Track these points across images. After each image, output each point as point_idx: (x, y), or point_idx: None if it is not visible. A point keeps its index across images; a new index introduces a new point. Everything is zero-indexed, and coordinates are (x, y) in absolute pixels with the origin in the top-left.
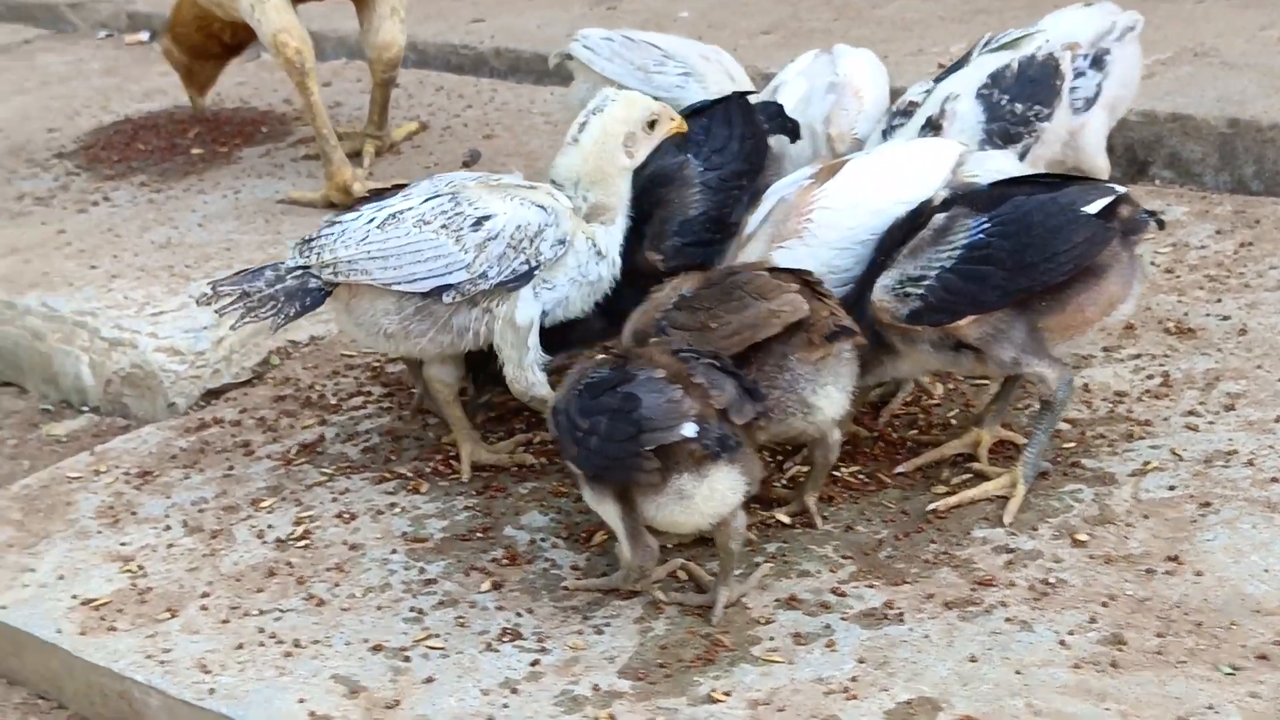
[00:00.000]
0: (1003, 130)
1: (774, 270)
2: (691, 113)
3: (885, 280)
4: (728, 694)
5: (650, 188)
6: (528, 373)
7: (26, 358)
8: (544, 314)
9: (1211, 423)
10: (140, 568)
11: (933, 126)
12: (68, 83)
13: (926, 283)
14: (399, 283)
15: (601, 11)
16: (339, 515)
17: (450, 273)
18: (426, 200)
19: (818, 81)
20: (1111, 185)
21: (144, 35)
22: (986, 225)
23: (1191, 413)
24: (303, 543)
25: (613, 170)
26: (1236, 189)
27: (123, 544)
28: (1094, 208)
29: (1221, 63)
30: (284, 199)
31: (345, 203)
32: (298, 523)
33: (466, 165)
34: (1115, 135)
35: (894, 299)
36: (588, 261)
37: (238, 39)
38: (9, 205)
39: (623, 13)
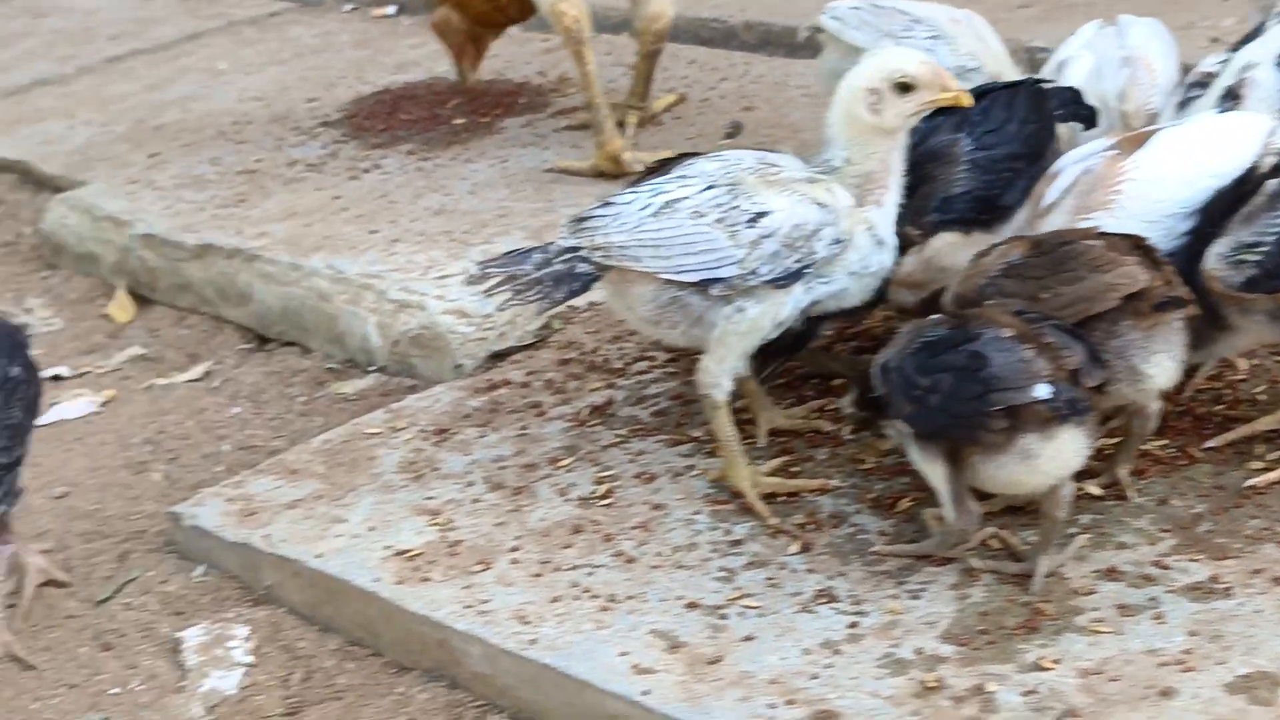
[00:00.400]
0: None
1: (1106, 236)
2: (978, 95)
3: (1218, 248)
4: (1056, 662)
5: (919, 163)
6: (723, 374)
7: (312, 318)
8: (815, 303)
9: None
10: (448, 521)
11: (1231, 97)
12: (320, 54)
13: (1263, 248)
14: (668, 272)
15: None
16: (638, 475)
17: (720, 267)
18: (704, 190)
19: (1107, 55)
20: None
21: (390, 9)
22: None
23: None
24: (605, 501)
25: (860, 129)
26: None
27: (428, 498)
28: None
29: None
30: (552, 168)
31: (615, 172)
32: (598, 482)
33: (729, 137)
34: None
35: (1228, 267)
36: (869, 254)
37: (523, 10)
38: (282, 171)
39: None
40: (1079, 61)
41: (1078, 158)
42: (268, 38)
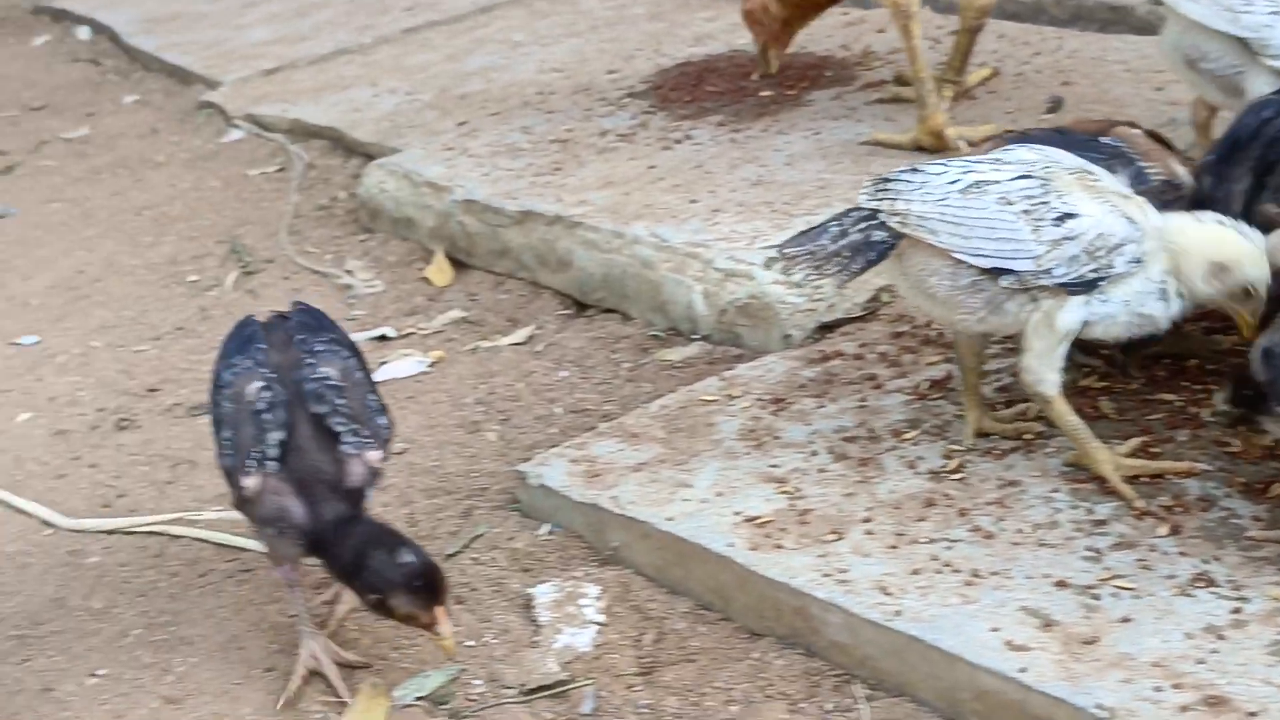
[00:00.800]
0: None
1: None
2: None
3: None
4: None
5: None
6: (1045, 367)
7: (634, 285)
8: (1086, 325)
9: None
10: (796, 490)
11: None
12: (615, 26)
13: None
14: (962, 252)
15: None
16: (988, 451)
17: (1015, 259)
18: (1016, 179)
19: None
20: None
21: None
22: None
23: None
24: (957, 475)
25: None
26: None
27: (772, 466)
28: None
29: None
30: (869, 140)
31: (935, 147)
32: (947, 456)
33: (1050, 112)
34: None
35: None
36: (1148, 295)
37: None
38: (594, 140)
39: None
40: None
41: None
42: (560, 10)
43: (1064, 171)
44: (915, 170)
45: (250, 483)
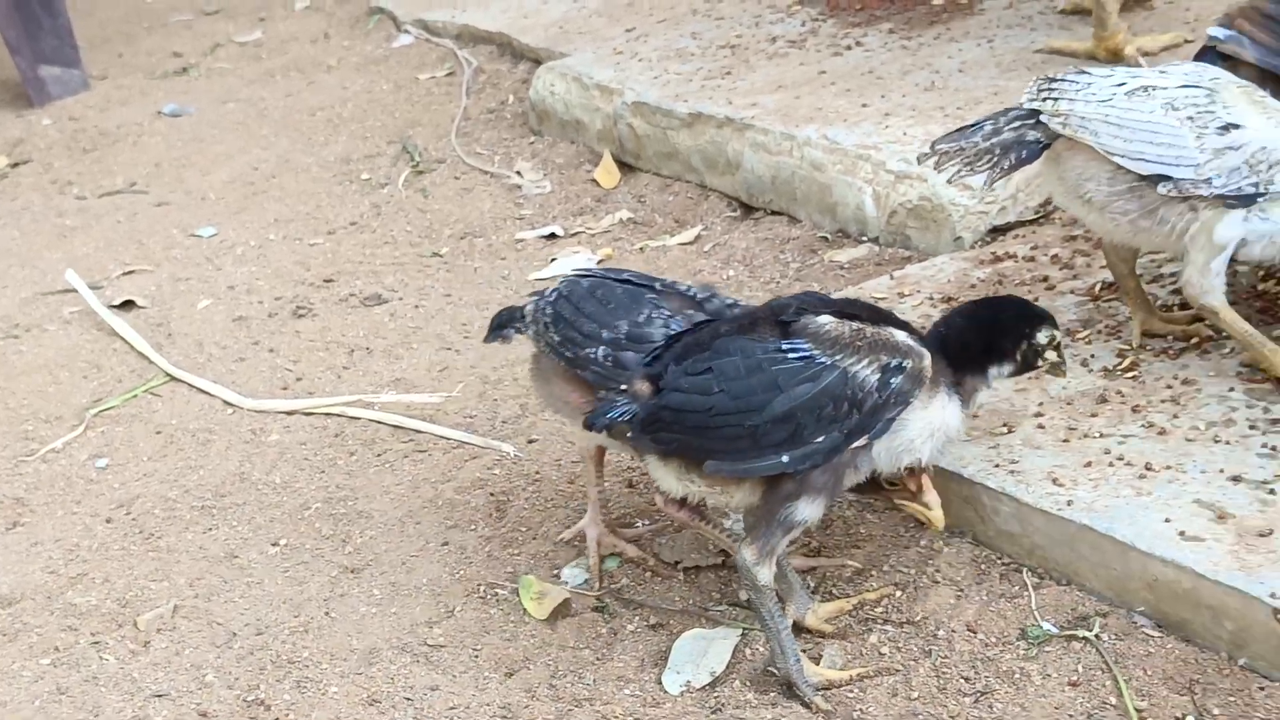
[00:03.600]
0: None
1: None
2: None
3: None
4: None
5: None
6: (1207, 279)
7: (803, 187)
8: (1243, 243)
9: None
10: None
11: None
12: None
13: None
14: (1123, 155)
15: None
16: (1163, 350)
17: (1177, 165)
18: (1183, 86)
19: None
20: None
21: None
22: None
23: None
24: (1130, 374)
25: None
26: None
27: None
28: None
29: None
30: (1045, 49)
31: (1113, 63)
32: (1120, 355)
33: None
34: None
35: None
36: None
37: None
38: (763, 46)
39: None
40: None
41: None
42: None
43: (1231, 83)
44: (1081, 72)
45: None
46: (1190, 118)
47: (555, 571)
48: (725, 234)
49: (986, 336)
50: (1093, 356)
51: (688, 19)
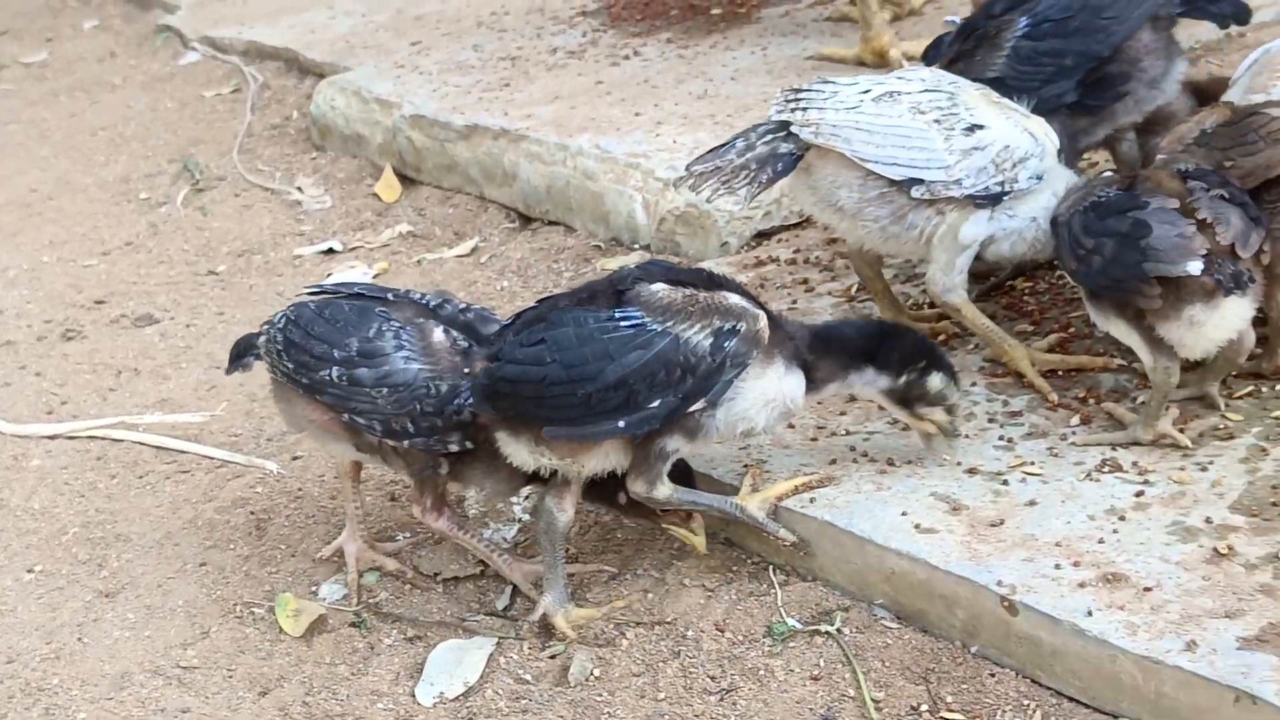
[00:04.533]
0: None
1: None
2: None
3: None
4: None
5: None
6: (950, 276)
7: (577, 196)
8: (990, 240)
9: None
10: None
11: None
12: None
13: None
14: (876, 161)
15: None
16: None
17: (929, 168)
18: (926, 91)
19: None
20: None
21: None
22: None
23: None
24: None
25: None
26: None
27: None
28: None
29: None
30: (815, 55)
31: (877, 66)
32: None
33: None
34: None
35: None
36: (1049, 210)
37: None
38: (543, 58)
39: None
40: None
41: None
42: None
43: (969, 86)
44: (826, 81)
45: None
46: (937, 120)
47: (314, 588)
48: (502, 245)
49: (876, 341)
50: None
51: (472, 32)
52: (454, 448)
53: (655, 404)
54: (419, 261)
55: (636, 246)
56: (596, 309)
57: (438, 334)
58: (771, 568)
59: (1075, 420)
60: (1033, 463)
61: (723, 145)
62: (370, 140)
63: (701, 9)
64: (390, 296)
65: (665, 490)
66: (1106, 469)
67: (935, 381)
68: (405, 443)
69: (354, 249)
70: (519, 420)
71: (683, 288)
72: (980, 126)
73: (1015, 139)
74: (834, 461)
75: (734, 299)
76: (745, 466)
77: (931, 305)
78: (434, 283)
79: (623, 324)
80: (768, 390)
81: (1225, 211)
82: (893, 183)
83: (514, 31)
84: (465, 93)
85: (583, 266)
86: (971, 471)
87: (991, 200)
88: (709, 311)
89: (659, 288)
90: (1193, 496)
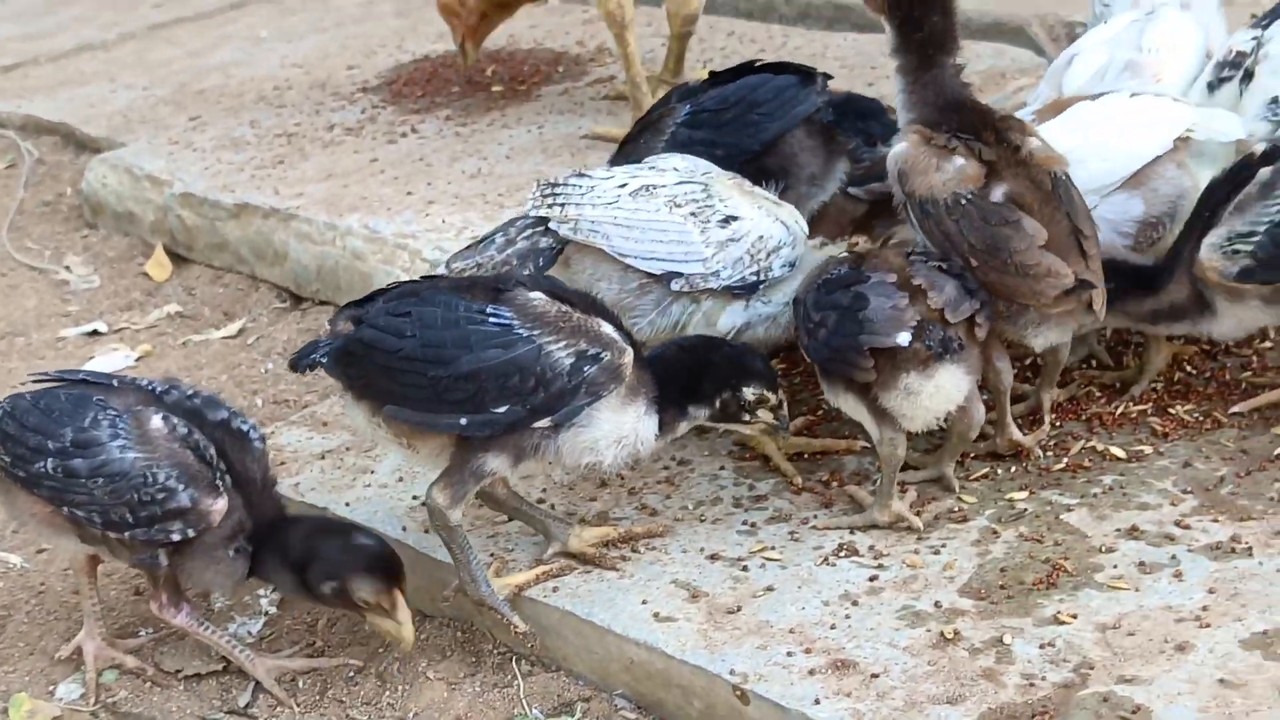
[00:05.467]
0: None
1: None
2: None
3: (1212, 239)
4: (1074, 616)
5: None
6: None
7: (346, 277)
8: (747, 326)
9: None
10: None
11: (1245, 77)
12: (361, 23)
13: (1256, 239)
14: (635, 257)
15: None
16: None
17: (687, 261)
18: (681, 183)
19: (1117, 57)
20: None
21: None
22: None
23: None
24: None
25: None
26: None
27: None
28: None
29: None
30: (589, 134)
31: None
32: None
33: None
34: None
35: (1222, 258)
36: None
37: None
38: (320, 135)
39: None
40: (1087, 59)
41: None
42: (310, 6)
43: (722, 176)
44: (582, 175)
45: None
46: (693, 214)
47: (51, 688)
48: (270, 325)
49: (691, 374)
50: None
51: (251, 107)
52: (175, 537)
53: (502, 409)
54: (185, 343)
55: None
56: (470, 299)
57: (155, 421)
58: (516, 658)
59: (817, 505)
60: (774, 547)
61: (483, 240)
62: (142, 218)
63: (482, 86)
64: (114, 384)
65: (457, 515)
66: (843, 553)
67: (749, 394)
68: (126, 534)
69: (119, 330)
70: (365, 389)
71: (560, 303)
72: (735, 218)
73: (769, 229)
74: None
75: (607, 328)
76: (491, 555)
77: None
78: (198, 364)
79: (490, 319)
80: (623, 427)
81: (940, 280)
82: (652, 276)
83: (293, 107)
84: (239, 170)
85: None
86: (713, 557)
87: (748, 290)
88: (578, 332)
89: (536, 296)
90: (924, 580)
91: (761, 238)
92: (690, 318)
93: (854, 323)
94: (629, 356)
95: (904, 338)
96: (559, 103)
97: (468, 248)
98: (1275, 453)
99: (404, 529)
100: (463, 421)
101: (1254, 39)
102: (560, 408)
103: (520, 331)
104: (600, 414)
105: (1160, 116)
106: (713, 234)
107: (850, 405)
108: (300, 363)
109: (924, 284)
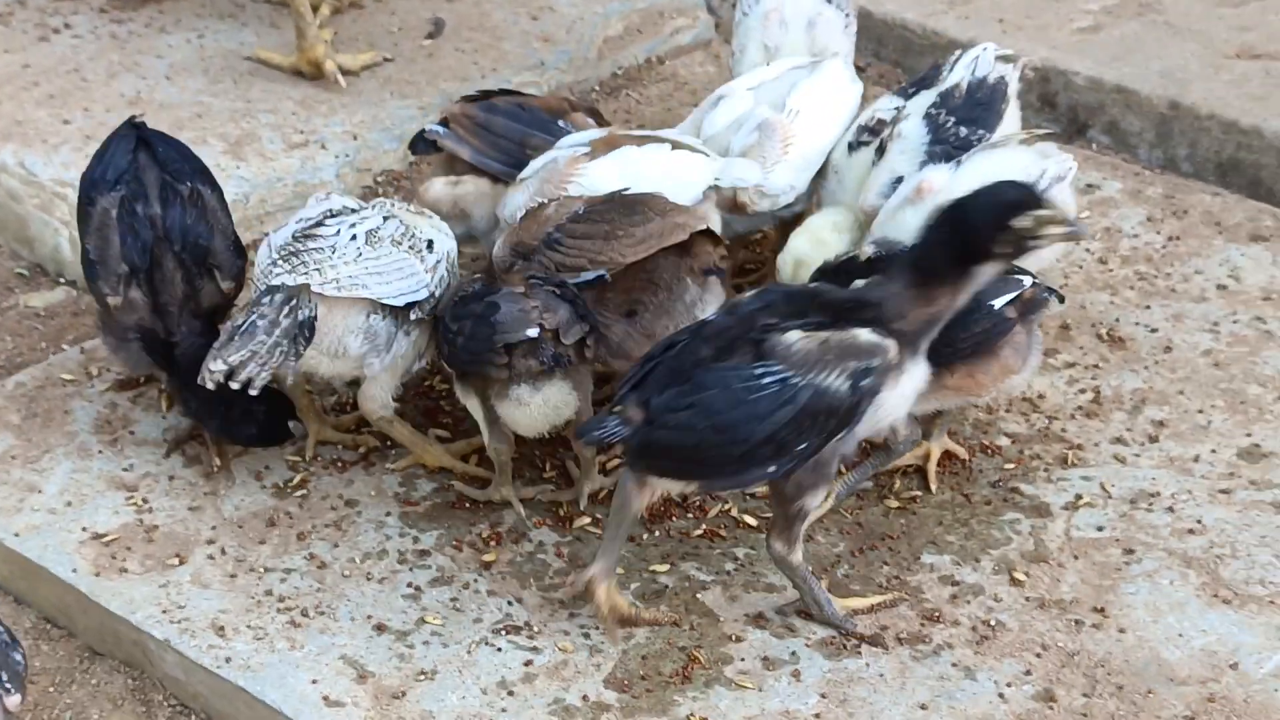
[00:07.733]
0: (945, 153)
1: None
2: None
3: None
4: (705, 719)
5: None
6: (387, 398)
7: (1, 215)
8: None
9: (1137, 455)
10: (144, 501)
11: (880, 149)
12: None
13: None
14: (390, 297)
15: None
16: (332, 462)
17: (419, 290)
18: (386, 218)
19: (757, 111)
20: (1019, 276)
21: None
22: None
23: (1119, 440)
24: (300, 491)
25: None
26: (1167, 168)
27: (125, 469)
28: (1000, 303)
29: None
30: (254, 57)
31: (314, 76)
32: (294, 468)
33: (431, 37)
34: (1060, 94)
35: None
36: None
37: None
38: None
39: None
40: (730, 105)
41: (568, 143)
42: None
43: (405, 209)
44: (310, 237)
45: None
46: (411, 247)
47: None
48: None
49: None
50: (267, 469)
51: None
52: None
53: (802, 445)
54: None
55: (62, 280)
56: (738, 365)
57: None
58: (188, 712)
59: (476, 564)
60: (437, 615)
61: (242, 326)
62: None
63: None
64: None
65: (798, 557)
66: (503, 630)
67: (1023, 223)
68: None
69: None
70: (673, 473)
71: (814, 331)
72: (431, 242)
73: (449, 244)
74: (251, 609)
75: (864, 334)
76: (164, 612)
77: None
78: None
79: (766, 380)
80: (904, 390)
81: (555, 303)
82: (394, 314)
83: None
84: None
85: (5, 300)
86: (380, 628)
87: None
88: (844, 354)
89: (792, 336)
90: (574, 667)
91: (448, 253)
92: (410, 341)
93: (488, 326)
94: (894, 350)
95: (533, 331)
96: (220, 2)
97: (230, 340)
98: (881, 532)
99: (74, 570)
100: (770, 470)
101: (895, 109)
102: (852, 421)
103: (796, 381)
104: (883, 395)
105: (691, 168)
106: (427, 260)
107: (474, 407)
108: (587, 437)
109: (541, 305)
